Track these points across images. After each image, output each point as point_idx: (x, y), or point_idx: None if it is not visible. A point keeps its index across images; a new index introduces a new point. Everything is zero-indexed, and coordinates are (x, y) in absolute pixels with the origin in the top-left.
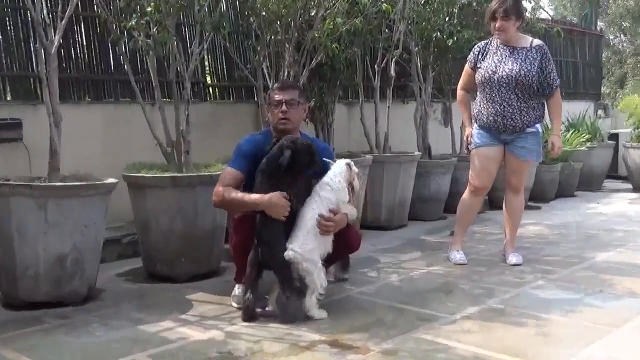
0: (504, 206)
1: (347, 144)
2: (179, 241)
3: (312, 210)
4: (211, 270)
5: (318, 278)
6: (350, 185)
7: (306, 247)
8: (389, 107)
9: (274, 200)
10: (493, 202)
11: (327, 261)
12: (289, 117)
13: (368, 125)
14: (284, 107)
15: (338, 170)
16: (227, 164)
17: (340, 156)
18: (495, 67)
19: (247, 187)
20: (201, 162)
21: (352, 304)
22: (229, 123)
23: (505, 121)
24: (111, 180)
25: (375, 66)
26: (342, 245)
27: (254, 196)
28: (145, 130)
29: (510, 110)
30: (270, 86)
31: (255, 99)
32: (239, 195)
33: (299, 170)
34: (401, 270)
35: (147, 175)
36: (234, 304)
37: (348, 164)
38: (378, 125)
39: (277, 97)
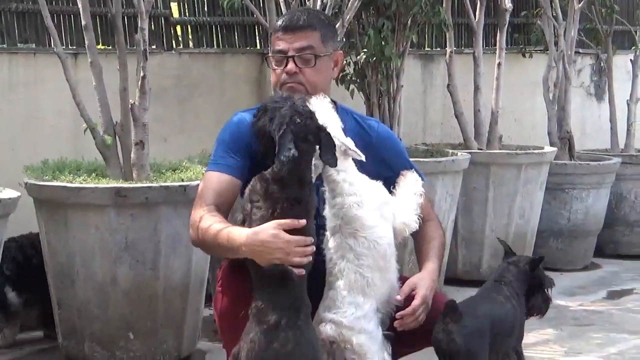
0: None
1: (422, 129)
2: (126, 303)
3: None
4: (180, 357)
5: None
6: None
7: (356, 310)
8: (499, 63)
9: (267, 234)
10: None
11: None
12: (300, 81)
13: (461, 96)
14: (290, 65)
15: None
16: (208, 165)
17: (412, 153)
18: None
19: None
20: (164, 162)
21: None
22: (214, 90)
23: None
24: (9, 193)
25: None
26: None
27: (236, 231)
28: (65, 101)
29: None
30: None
31: (260, 46)
32: (213, 227)
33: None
34: None
35: (71, 185)
36: None
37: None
38: (479, 98)
39: (280, 44)
